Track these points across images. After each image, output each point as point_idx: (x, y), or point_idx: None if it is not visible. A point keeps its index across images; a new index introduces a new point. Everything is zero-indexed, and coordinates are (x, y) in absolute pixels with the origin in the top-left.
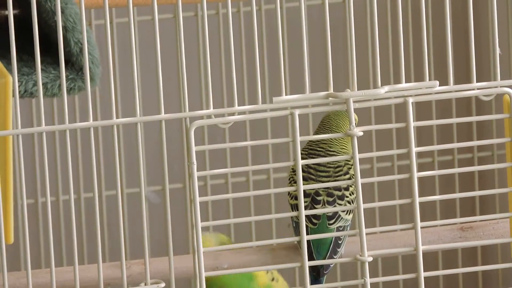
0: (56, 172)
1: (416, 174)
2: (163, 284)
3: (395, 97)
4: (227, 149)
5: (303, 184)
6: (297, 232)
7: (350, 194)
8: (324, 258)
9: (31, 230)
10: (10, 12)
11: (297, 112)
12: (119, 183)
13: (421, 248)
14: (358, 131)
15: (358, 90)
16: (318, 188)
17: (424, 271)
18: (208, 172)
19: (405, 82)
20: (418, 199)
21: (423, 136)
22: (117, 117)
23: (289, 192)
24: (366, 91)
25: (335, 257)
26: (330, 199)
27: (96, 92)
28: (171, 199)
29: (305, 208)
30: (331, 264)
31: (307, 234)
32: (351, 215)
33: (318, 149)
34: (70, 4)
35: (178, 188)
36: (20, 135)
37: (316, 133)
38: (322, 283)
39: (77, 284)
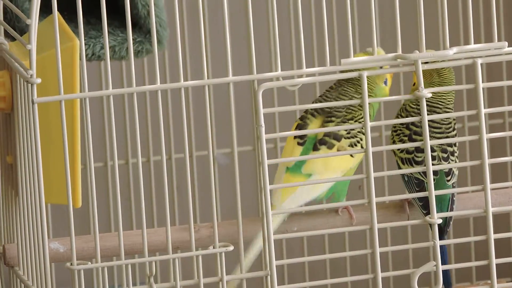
0: (125, 135)
1: (486, 136)
2: (231, 248)
3: (464, 58)
4: (296, 111)
5: (418, 141)
6: (410, 188)
7: (457, 150)
8: (446, 217)
9: (99, 193)
10: None
11: (365, 74)
12: (188, 145)
13: (491, 209)
14: (427, 93)
15: (426, 51)
16: (433, 144)
17: (494, 233)
18: (277, 134)
19: (474, 43)
20: (487, 161)
21: (494, 97)
22: (185, 80)
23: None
24: (434, 52)
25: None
26: (445, 155)
27: (164, 55)
28: (240, 161)
29: (420, 163)
30: (451, 221)
31: (424, 190)
32: (457, 171)
33: (438, 104)
34: None
35: (248, 150)
36: (88, 98)
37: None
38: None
39: (145, 248)
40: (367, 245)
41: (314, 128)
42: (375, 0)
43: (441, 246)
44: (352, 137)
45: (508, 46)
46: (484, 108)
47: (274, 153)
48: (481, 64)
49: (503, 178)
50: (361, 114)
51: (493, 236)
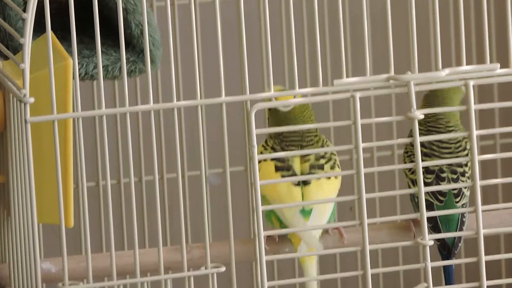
0: (118, 154)
1: (477, 157)
2: (223, 268)
3: (456, 80)
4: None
5: (427, 161)
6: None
7: (468, 170)
8: (454, 237)
9: (91, 213)
10: None
11: (358, 94)
12: (180, 165)
13: (482, 231)
14: (419, 114)
15: (419, 72)
16: (442, 165)
17: (485, 255)
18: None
19: (467, 65)
20: (479, 182)
21: (485, 118)
22: (178, 100)
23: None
24: (427, 74)
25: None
26: (454, 176)
27: (157, 75)
28: (232, 182)
29: (430, 184)
30: (460, 242)
31: (432, 211)
32: (469, 192)
33: (438, 125)
34: None
35: (240, 171)
36: (81, 118)
37: (425, 106)
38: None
39: (137, 268)
40: (358, 266)
41: (298, 165)
42: (367, 21)
43: (447, 267)
44: (329, 160)
45: (500, 68)
46: (476, 129)
47: None
48: (473, 86)
49: (494, 200)
50: (323, 139)
51: (484, 258)
